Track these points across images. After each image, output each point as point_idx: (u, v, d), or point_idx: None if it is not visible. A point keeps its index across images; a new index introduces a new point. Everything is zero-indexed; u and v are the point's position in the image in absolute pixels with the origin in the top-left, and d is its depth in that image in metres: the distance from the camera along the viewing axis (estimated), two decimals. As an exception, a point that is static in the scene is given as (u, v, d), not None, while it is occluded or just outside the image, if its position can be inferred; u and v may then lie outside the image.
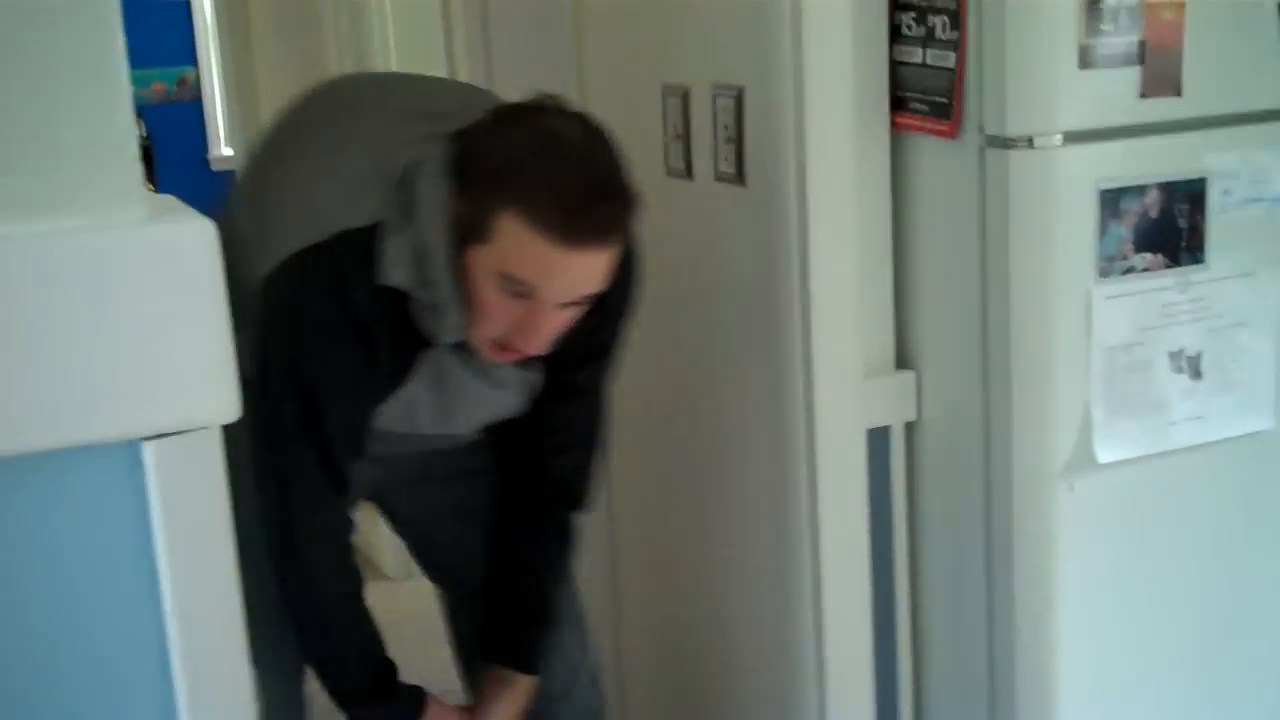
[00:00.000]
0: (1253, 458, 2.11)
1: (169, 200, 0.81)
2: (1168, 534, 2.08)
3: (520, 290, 1.66)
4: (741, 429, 2.25)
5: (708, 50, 2.20)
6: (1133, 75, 1.88)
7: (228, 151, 5.64)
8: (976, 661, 2.10)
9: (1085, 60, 1.85)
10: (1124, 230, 1.91)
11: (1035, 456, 1.98)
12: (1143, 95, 1.90)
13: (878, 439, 2.13)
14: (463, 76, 3.04)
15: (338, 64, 3.49)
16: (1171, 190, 1.94)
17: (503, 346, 1.75)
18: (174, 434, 0.76)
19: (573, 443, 2.07)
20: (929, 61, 1.96)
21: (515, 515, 2.11)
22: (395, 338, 1.76)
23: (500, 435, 2.06)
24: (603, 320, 1.88)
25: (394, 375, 1.81)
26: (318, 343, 1.75)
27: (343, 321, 1.73)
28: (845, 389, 2.06)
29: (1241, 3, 1.94)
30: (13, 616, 0.79)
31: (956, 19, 1.90)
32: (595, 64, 2.64)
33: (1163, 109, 1.92)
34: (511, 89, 2.88)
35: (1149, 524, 2.07)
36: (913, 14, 1.98)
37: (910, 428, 2.15)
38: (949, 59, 1.93)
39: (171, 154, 5.47)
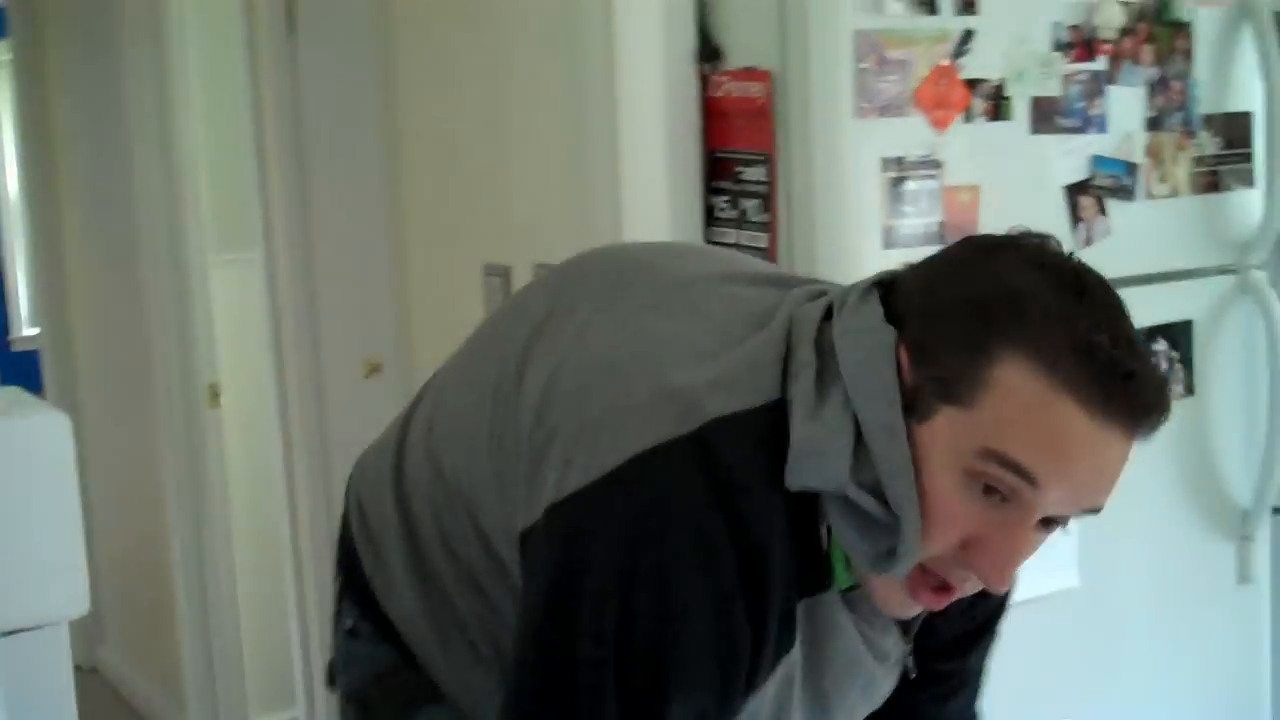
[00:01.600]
0: (1058, 615, 2.18)
1: (16, 392, 0.81)
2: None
3: (1005, 482, 1.07)
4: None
5: (529, 231, 2.26)
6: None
7: (30, 332, 5.51)
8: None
9: (889, 240, 1.95)
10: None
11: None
12: (943, 273, 2.00)
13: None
14: (281, 262, 3.04)
15: (151, 241, 3.47)
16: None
17: (936, 585, 1.15)
18: (22, 631, 0.75)
19: None
20: (742, 243, 2.04)
21: None
22: (788, 581, 1.15)
23: None
24: None
25: (778, 646, 1.17)
26: (682, 599, 1.10)
27: (727, 561, 1.10)
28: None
29: (1026, 186, 2.08)
30: None
31: (768, 202, 1.99)
32: (415, 244, 2.68)
33: (962, 285, 2.02)
34: (336, 289, 2.92)
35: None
36: (726, 197, 2.07)
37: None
38: (761, 239, 2.01)
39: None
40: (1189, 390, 2.26)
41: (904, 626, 1.28)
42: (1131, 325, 1.10)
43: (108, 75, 3.68)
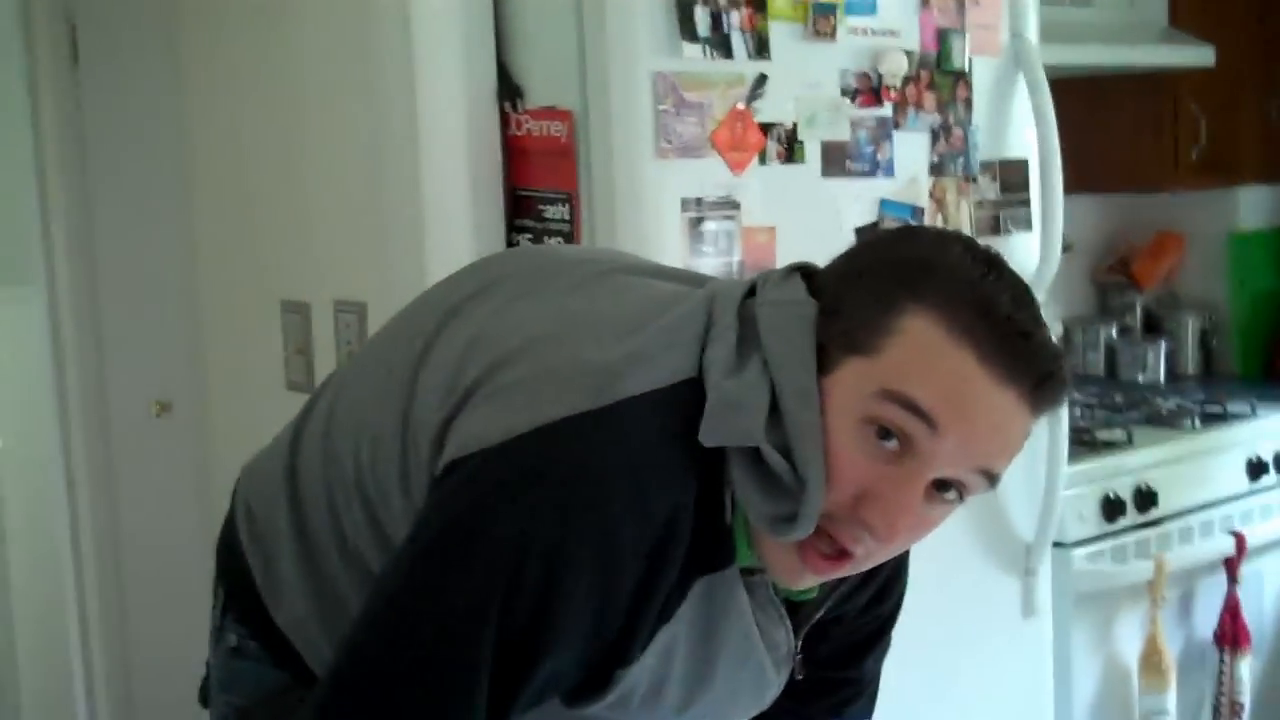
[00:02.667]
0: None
1: None
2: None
3: (902, 426, 1.09)
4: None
5: (329, 268, 2.24)
6: (731, 292, 2.04)
7: None
8: None
9: (688, 279, 1.98)
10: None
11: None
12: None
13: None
14: (63, 297, 2.94)
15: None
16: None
17: (828, 554, 1.15)
18: None
19: None
20: (545, 279, 2.05)
21: None
22: (688, 557, 1.15)
23: None
24: (893, 577, 1.39)
25: (659, 619, 1.17)
26: (576, 572, 1.09)
27: (627, 537, 1.10)
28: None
29: (819, 227, 2.14)
30: None
31: (571, 240, 2.01)
32: (208, 279, 2.63)
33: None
34: (124, 325, 2.83)
35: None
36: (529, 235, 2.08)
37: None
38: (563, 277, 2.03)
39: None
40: (972, 425, 2.35)
41: (794, 623, 1.29)
42: (1035, 302, 1.14)
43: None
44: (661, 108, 1.96)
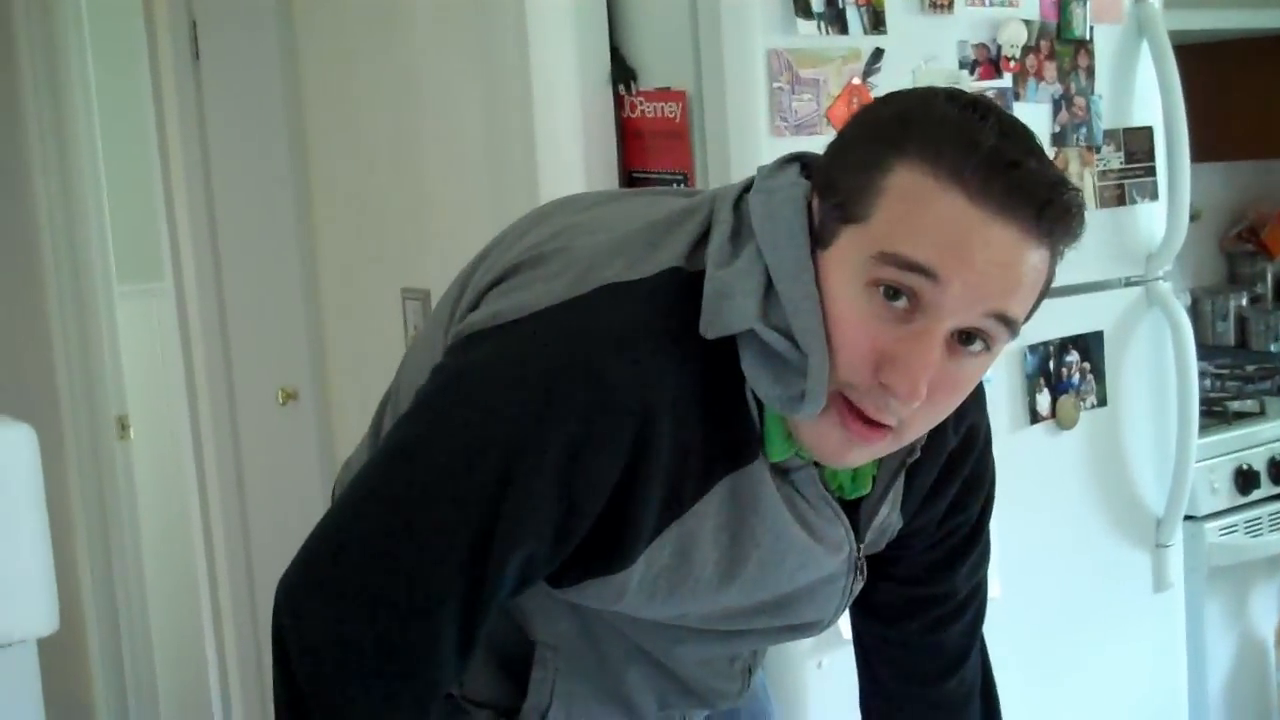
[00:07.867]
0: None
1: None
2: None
3: (905, 284, 1.07)
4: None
5: (448, 253, 2.25)
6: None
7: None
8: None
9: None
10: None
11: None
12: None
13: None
14: (190, 291, 3.01)
15: (55, 273, 3.41)
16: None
17: (861, 415, 1.12)
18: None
19: (966, 684, 1.48)
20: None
21: None
22: (706, 445, 1.15)
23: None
24: (972, 482, 1.36)
25: (672, 505, 1.16)
26: (546, 443, 1.10)
27: (598, 413, 1.10)
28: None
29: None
30: None
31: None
32: (330, 269, 2.66)
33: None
34: (249, 315, 2.89)
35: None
36: (645, 217, 2.08)
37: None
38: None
39: None
40: (1101, 401, 2.31)
41: (853, 523, 1.27)
42: (1029, 134, 1.11)
43: (3, 103, 3.61)
44: (776, 85, 1.95)
